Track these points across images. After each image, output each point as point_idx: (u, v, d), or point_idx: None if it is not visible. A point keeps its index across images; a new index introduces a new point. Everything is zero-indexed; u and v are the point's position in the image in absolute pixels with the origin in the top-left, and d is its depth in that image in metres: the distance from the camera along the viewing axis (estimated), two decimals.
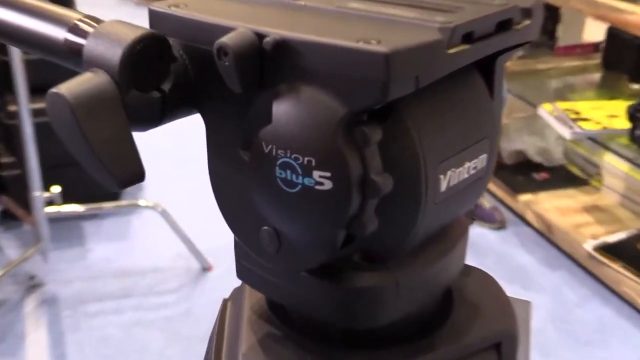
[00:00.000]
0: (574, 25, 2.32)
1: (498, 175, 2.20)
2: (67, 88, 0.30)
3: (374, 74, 0.28)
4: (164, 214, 1.88)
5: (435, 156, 0.31)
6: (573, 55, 2.31)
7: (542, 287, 1.84)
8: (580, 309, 1.76)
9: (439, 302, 0.39)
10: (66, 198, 1.81)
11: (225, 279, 1.78)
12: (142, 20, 0.34)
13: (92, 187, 1.94)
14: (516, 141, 2.29)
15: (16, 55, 1.65)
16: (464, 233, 0.38)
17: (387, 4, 0.33)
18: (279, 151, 0.30)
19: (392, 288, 0.34)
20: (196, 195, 2.13)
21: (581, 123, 1.85)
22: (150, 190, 2.16)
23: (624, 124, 1.81)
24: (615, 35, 2.10)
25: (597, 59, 2.25)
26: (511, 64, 2.19)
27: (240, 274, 0.38)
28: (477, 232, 2.03)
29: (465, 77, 0.34)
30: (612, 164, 2.14)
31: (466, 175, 0.34)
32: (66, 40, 0.34)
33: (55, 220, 1.93)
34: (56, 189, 1.78)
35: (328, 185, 0.30)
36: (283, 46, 0.30)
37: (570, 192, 2.17)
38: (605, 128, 1.83)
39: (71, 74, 0.32)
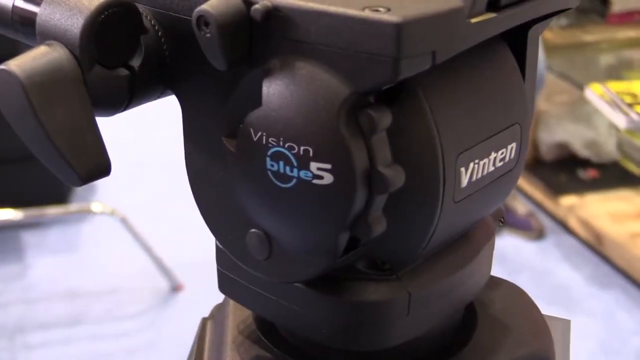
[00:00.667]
0: None
1: (535, 173, 2.21)
2: (18, 65, 0.32)
3: (383, 48, 0.29)
4: (124, 221, 1.89)
5: (455, 145, 0.33)
6: (630, 24, 2.32)
7: (591, 311, 1.85)
8: (637, 337, 1.77)
9: (459, 319, 0.41)
10: (0, 201, 1.81)
11: (198, 301, 1.77)
12: None
13: (33, 187, 1.96)
14: (558, 131, 2.30)
15: None
16: (489, 238, 0.39)
17: None
18: (270, 139, 0.32)
19: (403, 302, 0.35)
20: (164, 199, 2.15)
21: (639, 108, 1.86)
22: (106, 192, 2.17)
23: None
24: None
25: None
26: (552, 35, 2.21)
27: (222, 287, 0.39)
28: (509, 243, 2.04)
29: (491, 52, 0.36)
30: None
31: (492, 168, 0.35)
32: (15, 8, 0.36)
33: None
34: None
35: (328, 179, 0.31)
36: (275, 14, 0.31)
37: (624, 193, 2.18)
38: None
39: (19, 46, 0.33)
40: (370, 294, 0.35)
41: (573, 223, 2.08)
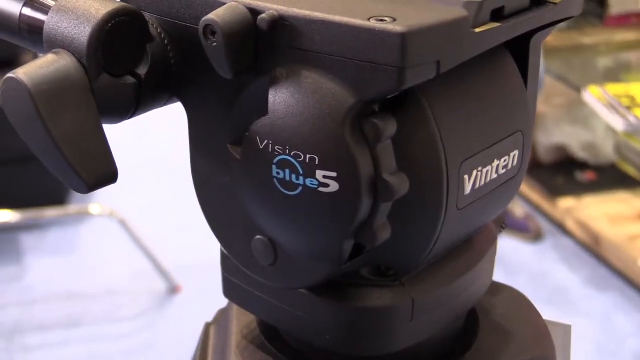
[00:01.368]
0: None
1: (533, 175, 2.21)
2: (25, 73, 0.32)
3: (388, 57, 0.29)
4: (122, 223, 1.89)
5: (459, 153, 0.33)
6: (628, 27, 2.32)
7: (588, 313, 1.85)
8: (634, 339, 1.78)
9: (462, 325, 0.41)
10: None
11: (197, 302, 1.78)
12: None
13: (32, 189, 1.96)
14: (555, 134, 2.30)
15: None
16: (492, 244, 0.40)
17: None
18: (277, 147, 0.32)
19: (406, 308, 0.35)
20: (162, 201, 2.15)
21: (637, 111, 1.86)
22: (105, 194, 2.16)
23: None
24: None
25: None
26: (550, 37, 2.19)
27: (227, 292, 0.40)
28: (507, 245, 2.05)
29: (494, 60, 0.36)
30: None
31: (495, 176, 0.36)
32: (22, 16, 0.36)
33: None
34: None
35: (334, 187, 0.31)
36: (281, 24, 0.32)
37: (622, 196, 2.18)
38: None
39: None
40: (374, 300, 0.35)
41: (571, 225, 2.09)
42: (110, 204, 1.97)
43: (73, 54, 0.33)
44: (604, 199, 2.16)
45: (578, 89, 2.03)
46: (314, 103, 0.31)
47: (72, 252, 2.02)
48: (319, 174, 0.31)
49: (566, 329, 0.45)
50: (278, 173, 0.32)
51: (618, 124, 1.85)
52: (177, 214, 1.97)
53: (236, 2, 0.32)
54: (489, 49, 0.33)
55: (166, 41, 0.35)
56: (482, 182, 0.35)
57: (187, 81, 0.36)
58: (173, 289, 1.87)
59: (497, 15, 0.33)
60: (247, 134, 0.33)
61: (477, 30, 0.32)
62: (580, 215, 2.07)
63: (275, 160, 0.32)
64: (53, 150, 0.32)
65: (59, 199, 2.04)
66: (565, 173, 2.26)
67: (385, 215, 0.33)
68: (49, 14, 0.34)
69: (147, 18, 0.34)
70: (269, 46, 0.32)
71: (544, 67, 2.01)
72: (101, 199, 2.13)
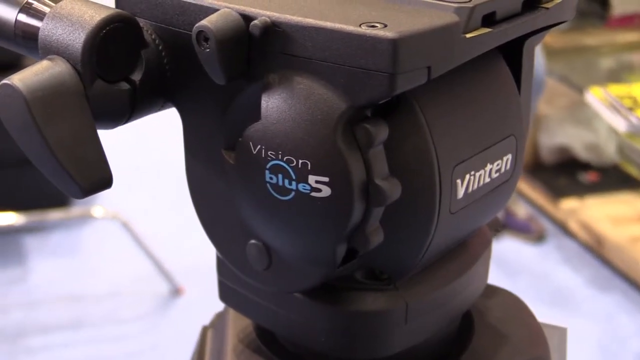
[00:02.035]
0: None
1: (535, 176, 2.21)
2: (20, 79, 0.32)
3: (379, 63, 0.30)
4: (125, 225, 1.90)
5: (451, 157, 0.34)
6: (630, 28, 2.32)
7: (591, 314, 1.85)
8: (637, 340, 1.78)
9: (456, 328, 0.41)
10: (2, 205, 1.82)
11: (199, 304, 1.78)
12: None
13: (35, 191, 1.96)
14: (558, 135, 2.30)
15: None
16: (486, 247, 0.40)
17: None
18: (269, 152, 0.32)
19: (400, 312, 0.36)
20: (165, 203, 2.15)
21: (639, 112, 1.86)
22: (108, 196, 2.17)
23: None
24: None
25: None
26: (552, 38, 2.21)
27: (223, 296, 0.40)
28: (510, 247, 2.05)
29: (486, 65, 0.36)
30: None
31: (488, 180, 0.36)
32: (18, 22, 0.36)
33: None
34: None
35: (326, 191, 0.32)
36: (273, 30, 0.32)
37: (625, 197, 2.18)
38: None
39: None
40: (368, 303, 0.35)
41: (573, 226, 2.09)
42: (113, 206, 1.97)
43: (68, 60, 0.33)
44: (607, 199, 2.15)
45: (580, 90, 2.03)
46: (306, 108, 0.31)
47: (75, 254, 2.02)
48: (312, 179, 0.32)
49: (562, 332, 0.45)
50: (271, 178, 0.33)
51: (620, 125, 1.85)
52: (180, 216, 1.97)
53: (229, 8, 0.32)
54: (480, 54, 0.33)
55: (160, 47, 0.35)
56: (475, 186, 0.35)
57: (181, 87, 0.36)
58: (176, 291, 1.87)
59: (489, 20, 0.33)
60: (240, 139, 0.33)
61: (468, 35, 0.32)
62: (582, 216, 2.07)
63: (268, 166, 0.33)
64: (48, 156, 0.33)
65: (61, 201, 2.04)
66: (567, 174, 2.26)
67: (378, 220, 0.33)
68: (44, 20, 0.34)
69: (141, 24, 0.35)
70: (262, 52, 0.32)
71: (546, 69, 2.01)
72: (104, 202, 2.13)
